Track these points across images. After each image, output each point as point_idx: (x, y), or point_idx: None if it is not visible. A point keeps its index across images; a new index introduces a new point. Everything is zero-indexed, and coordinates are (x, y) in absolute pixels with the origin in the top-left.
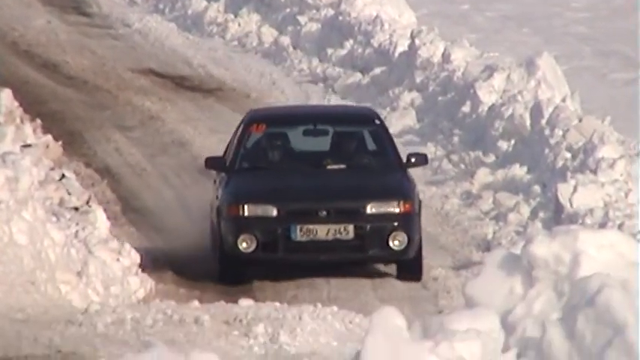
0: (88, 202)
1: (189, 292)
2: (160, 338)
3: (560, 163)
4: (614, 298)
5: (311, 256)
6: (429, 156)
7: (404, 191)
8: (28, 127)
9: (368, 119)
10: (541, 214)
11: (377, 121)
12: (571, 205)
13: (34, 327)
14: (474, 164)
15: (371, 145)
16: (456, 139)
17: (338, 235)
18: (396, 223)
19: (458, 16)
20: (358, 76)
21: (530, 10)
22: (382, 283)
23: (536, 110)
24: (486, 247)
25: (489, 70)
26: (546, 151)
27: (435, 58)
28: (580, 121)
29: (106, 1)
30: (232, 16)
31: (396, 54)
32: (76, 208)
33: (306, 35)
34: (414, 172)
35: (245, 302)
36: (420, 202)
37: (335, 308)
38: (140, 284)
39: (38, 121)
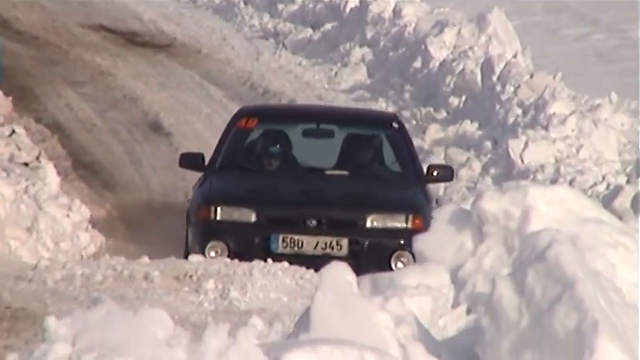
0: (38, 158)
1: (139, 248)
2: (109, 294)
3: (511, 119)
4: (563, 253)
5: None
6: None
7: (415, 204)
8: None
9: (384, 122)
10: (492, 170)
11: (395, 125)
12: (522, 161)
13: None
14: (425, 120)
15: (385, 152)
16: (407, 95)
17: (328, 250)
18: (401, 241)
19: None
20: (309, 31)
21: None
22: None
23: (488, 66)
24: (437, 203)
25: (440, 26)
26: (497, 107)
27: (386, 14)
28: (531, 77)
29: None
30: None
31: (347, 9)
32: (26, 164)
33: None
34: None
35: (195, 258)
36: None
37: (285, 264)
38: (90, 240)
39: None
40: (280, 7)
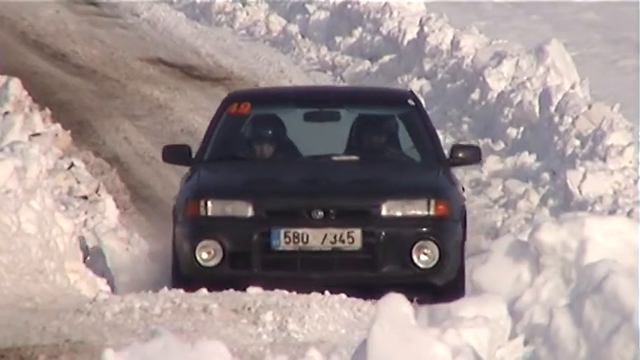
0: (97, 191)
1: None
2: (167, 327)
3: (569, 151)
4: (621, 285)
5: (299, 272)
6: None
7: (437, 188)
8: (37, 117)
9: (397, 100)
10: (550, 202)
11: (411, 102)
12: (580, 192)
13: (42, 316)
14: (483, 152)
15: (401, 134)
16: (465, 126)
17: (339, 244)
18: (423, 230)
19: (467, 3)
20: (367, 64)
21: None
22: None
23: (545, 97)
24: (495, 234)
25: (498, 57)
26: (555, 138)
27: (444, 46)
28: (589, 108)
29: None
30: (240, 4)
31: (405, 41)
32: (85, 197)
33: (315, 23)
34: None
35: (254, 290)
36: (464, 208)
37: (343, 296)
38: (149, 273)
39: (47, 110)
40: (338, 39)
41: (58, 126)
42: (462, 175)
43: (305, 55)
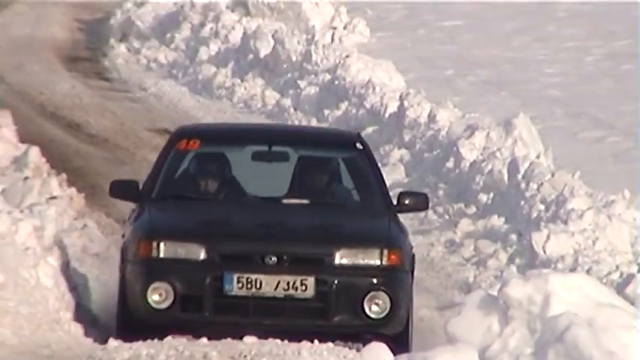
0: (108, 249)
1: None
2: None
3: (534, 214)
4: (581, 335)
5: (251, 318)
6: None
7: (389, 237)
8: (54, 181)
9: (346, 143)
10: (517, 260)
11: (359, 146)
12: (544, 251)
13: None
14: (457, 215)
15: (349, 178)
16: (440, 192)
17: (292, 292)
18: (375, 280)
19: (442, 81)
20: None
21: (508, 76)
22: None
23: (513, 166)
24: (467, 289)
25: (471, 130)
26: (522, 203)
27: (422, 119)
28: (552, 175)
29: (124, 68)
30: (239, 80)
31: (387, 115)
32: (97, 255)
33: (306, 98)
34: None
35: (249, 339)
36: (413, 256)
37: (330, 345)
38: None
39: (63, 175)
40: (326, 112)
41: (73, 190)
42: (438, 236)
43: None
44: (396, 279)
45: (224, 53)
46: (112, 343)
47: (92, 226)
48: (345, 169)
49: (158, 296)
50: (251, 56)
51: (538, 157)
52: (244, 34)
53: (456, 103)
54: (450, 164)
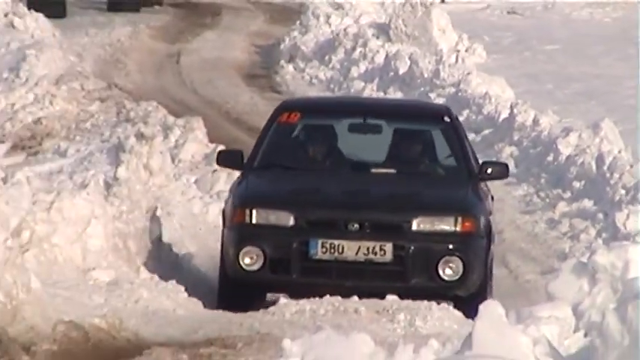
0: None
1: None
2: (329, 324)
3: (617, 198)
4: None
5: (334, 280)
6: (521, 193)
7: (465, 206)
8: (236, 172)
9: (435, 116)
10: (603, 235)
11: (447, 119)
12: (625, 227)
13: (240, 315)
14: (555, 199)
15: (437, 149)
16: (542, 180)
17: (371, 256)
18: (449, 246)
19: (544, 93)
20: (472, 135)
21: (596, 89)
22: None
23: (600, 159)
24: (564, 258)
25: (566, 131)
26: (607, 188)
27: (528, 123)
28: (631, 166)
29: (292, 83)
30: (382, 93)
31: (500, 119)
32: None
33: None
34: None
35: (390, 297)
36: (489, 223)
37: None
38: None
39: None
40: None
41: None
42: (541, 215)
43: None
44: (469, 244)
45: (370, 72)
46: (283, 300)
47: None
48: (434, 141)
49: (249, 259)
50: (392, 74)
51: (620, 152)
52: (386, 56)
53: (554, 110)
54: (549, 158)
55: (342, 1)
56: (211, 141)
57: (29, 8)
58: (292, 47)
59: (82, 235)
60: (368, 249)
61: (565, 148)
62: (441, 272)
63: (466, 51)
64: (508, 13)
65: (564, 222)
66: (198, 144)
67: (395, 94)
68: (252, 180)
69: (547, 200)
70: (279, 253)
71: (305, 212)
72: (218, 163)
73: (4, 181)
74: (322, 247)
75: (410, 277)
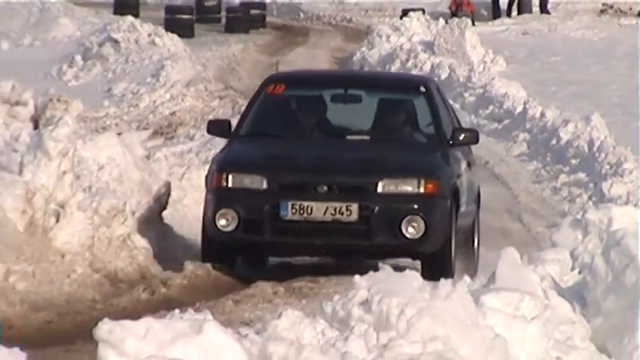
0: None
1: None
2: (391, 264)
3: (604, 171)
4: (630, 242)
5: (303, 239)
6: (532, 168)
7: (428, 168)
8: None
9: (411, 87)
10: (593, 199)
11: (422, 89)
12: (609, 193)
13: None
14: (557, 172)
15: (412, 117)
16: (548, 158)
17: (338, 216)
18: (412, 206)
19: (549, 93)
20: (495, 124)
21: (588, 91)
22: (510, 232)
23: (591, 143)
24: (564, 215)
25: (565, 122)
26: (596, 165)
27: (537, 115)
28: (614, 148)
29: None
30: None
31: (516, 112)
32: None
33: (468, 104)
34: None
35: None
36: (454, 185)
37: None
38: None
39: None
40: (480, 112)
41: None
42: (547, 184)
43: None
44: (431, 205)
45: None
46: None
47: None
48: (410, 110)
49: (225, 221)
50: (435, 79)
51: (605, 137)
52: (431, 65)
53: (556, 106)
54: (553, 142)
55: (399, 24)
56: None
57: (166, 30)
58: (361, 59)
59: None
60: (335, 209)
61: (565, 135)
62: (404, 230)
63: (491, 62)
64: (522, 34)
65: (564, 189)
66: None
67: None
68: (234, 147)
69: (551, 173)
70: (252, 214)
71: (277, 176)
72: (208, 131)
73: (148, 158)
74: (292, 208)
75: (375, 235)
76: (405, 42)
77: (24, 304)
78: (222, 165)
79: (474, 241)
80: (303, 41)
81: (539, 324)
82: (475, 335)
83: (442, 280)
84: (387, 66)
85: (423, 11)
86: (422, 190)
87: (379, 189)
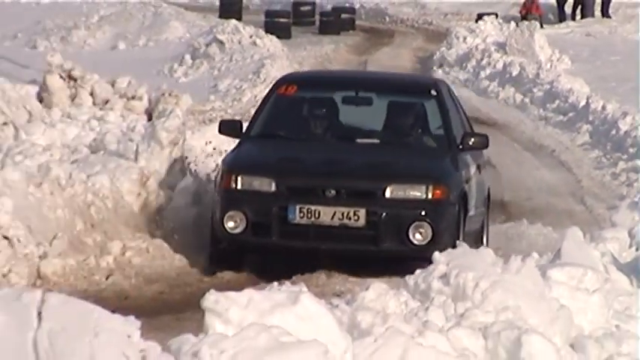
0: None
1: None
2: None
3: None
4: None
5: (311, 243)
6: (594, 155)
7: (437, 174)
8: None
9: (423, 89)
10: None
11: (433, 92)
12: None
13: None
14: (616, 159)
15: (423, 121)
16: (608, 147)
17: (346, 221)
18: (420, 212)
19: (609, 88)
20: (560, 116)
21: None
22: (574, 213)
23: None
24: (622, 198)
25: (624, 114)
26: None
27: (598, 108)
28: None
29: None
30: (501, 88)
31: (580, 106)
32: None
33: (537, 98)
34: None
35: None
36: (462, 191)
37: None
38: None
39: None
40: (547, 105)
41: None
42: (607, 170)
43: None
44: (439, 211)
45: (493, 74)
46: None
47: None
48: (421, 113)
49: (233, 223)
50: (507, 76)
51: None
52: (504, 64)
53: (616, 100)
54: (613, 132)
55: (474, 27)
56: None
57: (266, 32)
58: (441, 58)
59: None
60: (343, 214)
61: (623, 126)
62: (411, 237)
63: (557, 60)
64: (586, 35)
65: (623, 175)
66: None
67: (509, 89)
68: (243, 148)
69: (611, 160)
70: (260, 217)
71: (285, 179)
72: (220, 131)
73: None
74: (300, 212)
75: (382, 241)
76: (479, 43)
77: (139, 276)
78: (231, 166)
79: (482, 242)
80: (388, 42)
81: (600, 296)
82: (542, 306)
83: (513, 256)
84: (464, 64)
85: (496, 15)
86: (430, 195)
87: (387, 194)
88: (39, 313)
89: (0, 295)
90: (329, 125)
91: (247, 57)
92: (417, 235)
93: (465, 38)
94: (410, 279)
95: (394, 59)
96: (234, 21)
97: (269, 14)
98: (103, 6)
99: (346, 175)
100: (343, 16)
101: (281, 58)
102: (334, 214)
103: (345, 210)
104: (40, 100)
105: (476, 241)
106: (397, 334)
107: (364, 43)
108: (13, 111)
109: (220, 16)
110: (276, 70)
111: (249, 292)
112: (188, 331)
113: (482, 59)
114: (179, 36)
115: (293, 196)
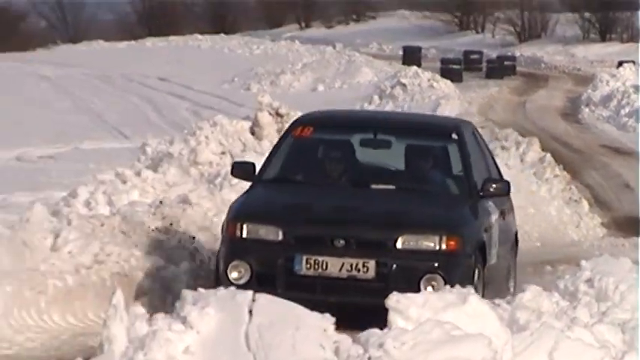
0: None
1: None
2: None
3: None
4: None
5: (317, 296)
6: None
7: (452, 223)
8: (557, 168)
9: (444, 132)
10: None
11: (455, 136)
12: None
13: None
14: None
15: (442, 165)
16: None
17: (354, 272)
18: (432, 264)
19: None
20: None
21: None
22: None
23: None
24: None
25: None
26: None
27: None
28: None
29: (587, 118)
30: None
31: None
32: None
33: (599, 98)
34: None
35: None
36: (480, 241)
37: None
38: None
39: (560, 165)
40: (607, 104)
41: (565, 173)
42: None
43: None
44: (452, 263)
45: (630, 112)
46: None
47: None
48: (440, 157)
49: (237, 273)
50: None
51: None
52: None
53: None
54: None
55: (616, 72)
56: (543, 150)
57: (442, 76)
58: (587, 98)
59: None
60: (351, 265)
61: None
62: (422, 289)
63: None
64: None
65: None
66: (534, 152)
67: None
68: (252, 193)
69: None
70: (265, 268)
71: (293, 228)
72: (232, 174)
73: None
74: (306, 263)
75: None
76: (620, 85)
77: None
78: (237, 214)
79: (509, 289)
80: (543, 85)
81: None
82: None
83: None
84: (607, 103)
85: (634, 62)
86: (443, 246)
87: (399, 245)
88: (250, 311)
89: (218, 295)
90: (344, 169)
91: (426, 97)
92: (429, 289)
93: (607, 82)
94: (560, 282)
95: (548, 99)
96: (415, 67)
97: (444, 61)
98: (305, 55)
99: (356, 224)
100: (506, 63)
101: (454, 99)
102: (342, 265)
103: (353, 261)
104: (252, 133)
105: (498, 290)
106: (549, 329)
107: (523, 85)
108: (229, 142)
109: (403, 63)
110: (450, 109)
111: (425, 294)
112: None
113: (622, 99)
114: (369, 80)
115: (299, 246)
